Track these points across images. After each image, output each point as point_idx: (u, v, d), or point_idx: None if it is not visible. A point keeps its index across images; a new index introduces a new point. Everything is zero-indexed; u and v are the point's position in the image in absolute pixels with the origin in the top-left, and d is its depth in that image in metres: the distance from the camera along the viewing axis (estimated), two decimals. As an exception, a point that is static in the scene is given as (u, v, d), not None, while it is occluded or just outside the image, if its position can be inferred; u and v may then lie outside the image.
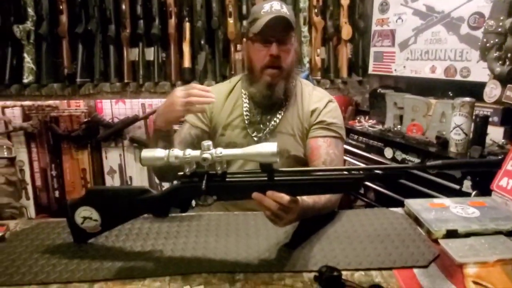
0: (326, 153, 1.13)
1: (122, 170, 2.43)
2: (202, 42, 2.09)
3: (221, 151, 0.80)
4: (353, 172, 0.87)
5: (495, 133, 1.57)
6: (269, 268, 0.83)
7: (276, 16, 1.09)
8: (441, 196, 1.49)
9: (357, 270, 0.83)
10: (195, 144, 1.17)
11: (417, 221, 1.03)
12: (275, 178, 0.82)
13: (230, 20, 2.09)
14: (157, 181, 2.46)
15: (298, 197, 0.84)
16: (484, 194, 1.24)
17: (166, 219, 1.00)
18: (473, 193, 1.41)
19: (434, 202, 1.11)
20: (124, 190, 0.94)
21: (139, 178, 2.46)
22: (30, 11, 1.97)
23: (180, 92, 0.99)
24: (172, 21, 2.06)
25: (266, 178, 0.82)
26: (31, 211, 2.43)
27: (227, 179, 0.83)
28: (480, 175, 1.40)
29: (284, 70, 1.15)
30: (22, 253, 0.89)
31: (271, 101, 1.17)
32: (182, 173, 0.83)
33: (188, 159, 0.81)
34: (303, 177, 0.84)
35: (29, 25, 1.97)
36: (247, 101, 1.23)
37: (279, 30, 1.11)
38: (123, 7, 2.02)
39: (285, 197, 0.79)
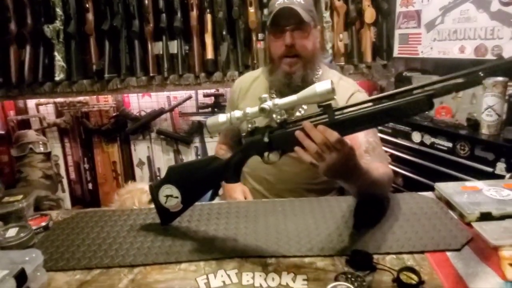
0: (366, 141, 1.09)
1: (151, 162, 2.50)
2: (224, 32, 2.10)
3: (278, 101, 0.80)
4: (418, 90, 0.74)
5: (531, 113, 1.51)
6: (299, 252, 0.84)
7: (283, 7, 1.10)
8: (473, 180, 1.45)
9: (387, 253, 0.83)
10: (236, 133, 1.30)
11: (448, 204, 1.02)
12: (336, 116, 0.78)
13: (251, 9, 2.09)
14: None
15: (352, 148, 0.78)
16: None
17: (197, 206, 1.03)
18: (508, 175, 1.37)
19: (466, 185, 1.08)
20: (197, 162, 0.98)
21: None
22: (59, 10, 2.04)
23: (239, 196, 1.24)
24: (194, 13, 2.08)
25: (327, 119, 0.79)
26: (67, 203, 2.55)
27: (287, 128, 0.83)
28: (514, 157, 1.36)
29: (302, 58, 1.15)
30: (65, 240, 0.94)
31: (290, 89, 1.17)
32: (244, 133, 0.86)
33: (249, 117, 0.83)
34: (369, 108, 0.77)
35: (58, 24, 2.04)
36: (273, 91, 1.24)
37: (291, 19, 1.11)
38: (146, 2, 2.05)
39: (334, 134, 0.75)
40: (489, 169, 1.44)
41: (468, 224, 0.92)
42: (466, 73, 0.71)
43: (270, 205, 1.08)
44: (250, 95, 1.30)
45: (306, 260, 0.82)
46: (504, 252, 0.81)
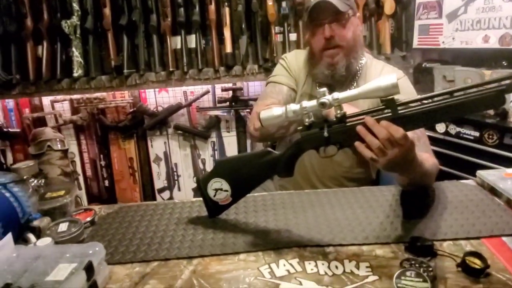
0: (414, 131, 1.10)
1: (167, 157, 2.49)
2: (243, 26, 2.09)
3: (338, 95, 0.79)
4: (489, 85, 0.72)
5: (556, 101, 1.52)
6: (356, 241, 0.84)
7: (318, 1, 1.09)
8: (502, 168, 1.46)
9: (444, 240, 0.84)
10: None
11: (493, 191, 1.03)
12: (400, 110, 0.77)
13: (269, 2, 2.07)
14: (201, 166, 2.52)
15: (413, 142, 0.79)
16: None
17: (247, 198, 1.02)
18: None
19: (508, 172, 1.09)
20: (248, 155, 0.96)
21: (183, 164, 2.51)
22: (75, 6, 2.02)
23: None
24: (212, 7, 2.07)
25: (390, 114, 0.78)
26: (84, 200, 2.54)
27: (347, 122, 0.82)
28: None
29: (344, 47, 1.15)
30: (115, 234, 0.94)
31: (334, 80, 1.17)
32: (301, 127, 0.85)
33: (306, 110, 0.82)
34: (435, 103, 0.75)
35: (75, 20, 2.03)
36: (316, 84, 1.24)
37: (327, 12, 1.10)
38: (164, -4, 2.04)
39: (400, 130, 0.75)
40: (520, 157, 1.45)
41: (517, 210, 0.93)
42: None
43: (313, 196, 1.09)
44: (301, 78, 1.26)
45: (364, 248, 0.83)
46: (560, 236, 0.82)
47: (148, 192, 2.54)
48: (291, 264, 0.78)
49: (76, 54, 2.05)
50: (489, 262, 0.73)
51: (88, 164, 2.52)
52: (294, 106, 0.84)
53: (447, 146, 1.75)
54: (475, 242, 0.82)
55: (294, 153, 0.88)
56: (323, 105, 0.80)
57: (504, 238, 0.83)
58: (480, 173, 1.09)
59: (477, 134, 1.61)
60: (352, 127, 0.80)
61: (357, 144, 0.79)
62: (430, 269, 0.72)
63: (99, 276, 0.74)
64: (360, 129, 0.78)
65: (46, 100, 2.36)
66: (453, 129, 1.71)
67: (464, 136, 1.66)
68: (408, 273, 0.70)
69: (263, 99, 1.24)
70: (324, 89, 0.81)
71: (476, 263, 0.73)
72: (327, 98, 0.80)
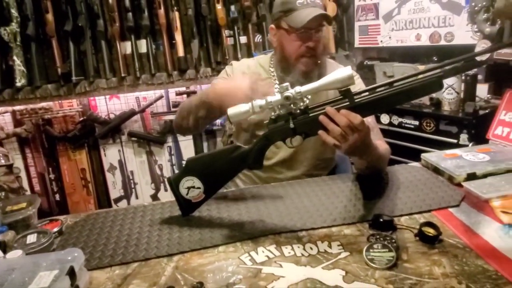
0: (367, 121, 1.18)
1: (123, 166, 2.43)
2: (194, 30, 2.11)
3: (300, 89, 0.85)
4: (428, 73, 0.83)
5: (480, 90, 1.73)
6: (326, 223, 0.91)
7: (319, 14, 1.09)
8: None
9: (401, 215, 0.94)
10: None
11: (436, 170, 1.16)
12: (356, 99, 0.85)
13: (218, 6, 2.12)
14: (158, 172, 2.49)
15: (368, 127, 0.87)
16: (480, 144, 1.38)
17: (217, 194, 1.05)
18: (470, 144, 1.56)
19: (447, 153, 1.23)
20: (219, 151, 0.98)
21: (140, 172, 2.47)
22: (14, 12, 1.91)
23: (246, 81, 0.98)
24: (161, 12, 2.06)
25: (348, 103, 0.85)
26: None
27: (310, 113, 0.88)
28: (475, 128, 1.56)
29: (318, 57, 1.18)
30: (87, 241, 0.93)
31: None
32: (267, 121, 0.90)
33: (272, 105, 0.87)
34: (386, 91, 0.84)
35: (14, 26, 1.91)
36: (277, 82, 1.26)
37: (316, 23, 1.13)
38: (110, 1, 1.99)
39: (358, 117, 0.83)
40: (454, 141, 1.63)
41: (458, 185, 1.06)
42: (464, 58, 0.81)
43: (280, 188, 1.14)
44: None
45: (333, 229, 0.90)
46: (494, 202, 0.95)
47: (104, 203, 2.45)
48: (269, 250, 0.83)
49: (18, 62, 1.93)
50: (441, 230, 0.83)
51: (36, 178, 2.38)
52: (259, 101, 0.88)
53: (391, 136, 1.90)
54: (427, 215, 0.93)
55: (262, 146, 0.93)
56: (287, 98, 0.86)
57: (450, 209, 0.94)
58: (424, 155, 1.22)
59: (416, 123, 1.78)
60: (315, 117, 0.87)
61: (321, 132, 0.86)
62: (393, 241, 0.81)
63: (80, 282, 0.73)
64: (322, 118, 0.85)
65: (-16, 113, 2.19)
66: (396, 119, 1.87)
67: (406, 125, 1.83)
68: (375, 246, 0.78)
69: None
70: (287, 84, 0.87)
71: (430, 232, 0.83)
72: (291, 91, 0.86)
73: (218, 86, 1.10)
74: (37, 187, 2.38)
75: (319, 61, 1.20)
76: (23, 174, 2.33)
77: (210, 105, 1.07)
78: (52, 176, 2.38)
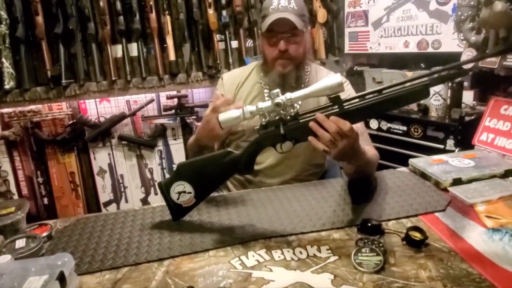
0: (356, 127, 1.21)
1: (113, 169, 2.42)
2: (185, 34, 2.12)
3: (290, 95, 0.87)
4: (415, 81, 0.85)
5: (466, 97, 1.77)
6: (315, 228, 0.93)
7: (279, 18, 1.14)
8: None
9: (388, 220, 0.95)
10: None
11: (423, 176, 1.18)
12: (345, 106, 0.87)
13: (210, 11, 2.13)
14: (148, 176, 2.48)
15: (357, 133, 0.89)
16: (466, 150, 1.42)
17: (208, 198, 1.06)
18: (456, 150, 1.60)
19: (434, 158, 1.26)
20: (210, 156, 0.98)
21: (130, 175, 2.45)
22: (3, 14, 1.89)
23: (208, 112, 1.07)
24: (153, 15, 2.07)
25: (337, 109, 0.87)
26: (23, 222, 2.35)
27: (300, 119, 0.89)
28: (461, 134, 1.59)
29: (294, 59, 1.21)
30: (77, 245, 0.93)
31: (284, 90, 1.24)
32: (258, 126, 0.91)
33: (262, 111, 0.89)
34: (374, 98, 0.86)
35: (3, 28, 1.90)
36: (266, 88, 1.29)
37: (285, 27, 1.16)
38: (101, 4, 1.99)
39: (347, 123, 0.85)
40: (441, 146, 1.66)
41: (444, 190, 1.08)
42: (450, 67, 0.83)
43: (270, 192, 1.16)
44: (241, 94, 1.31)
45: (323, 233, 0.91)
46: (479, 207, 0.98)
47: (93, 207, 2.43)
48: (259, 255, 0.84)
49: (7, 64, 1.91)
50: (427, 234, 0.85)
51: (24, 182, 2.35)
52: (250, 108, 0.90)
53: (380, 141, 1.93)
54: (414, 219, 0.95)
55: (253, 151, 0.94)
56: (278, 105, 0.88)
57: (436, 214, 0.97)
58: (411, 161, 1.25)
59: (404, 128, 1.81)
60: (305, 123, 0.88)
61: (311, 138, 0.88)
62: (381, 245, 0.82)
63: (70, 287, 0.73)
64: (312, 124, 0.87)
65: (-29, 116, 2.16)
66: (384, 125, 1.90)
67: (394, 131, 1.86)
68: (363, 250, 0.80)
69: None
70: (278, 90, 0.88)
71: (417, 236, 0.85)
72: (281, 98, 0.88)
73: (198, 128, 1.19)
74: (25, 191, 2.35)
75: (298, 64, 1.22)
76: (10, 178, 2.30)
77: (204, 142, 1.16)
78: (40, 179, 2.35)
